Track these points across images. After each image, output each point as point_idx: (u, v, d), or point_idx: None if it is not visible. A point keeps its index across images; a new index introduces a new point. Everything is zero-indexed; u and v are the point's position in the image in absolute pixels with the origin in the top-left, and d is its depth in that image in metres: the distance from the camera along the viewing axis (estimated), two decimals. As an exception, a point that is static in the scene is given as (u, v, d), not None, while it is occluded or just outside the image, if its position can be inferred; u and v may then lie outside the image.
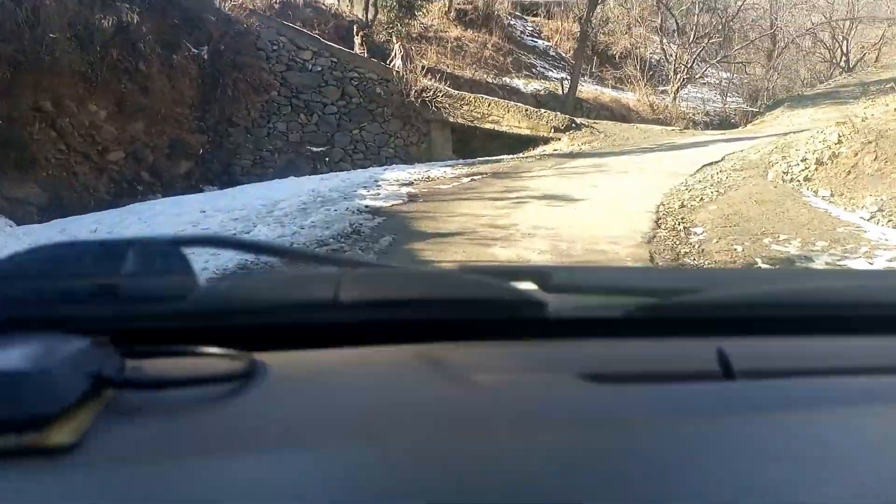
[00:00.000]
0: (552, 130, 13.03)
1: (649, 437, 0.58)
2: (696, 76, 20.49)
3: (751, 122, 18.77)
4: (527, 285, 0.84)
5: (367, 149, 13.36)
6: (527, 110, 13.65)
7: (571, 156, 11.32)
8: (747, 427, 0.60)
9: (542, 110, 13.88)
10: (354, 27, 15.55)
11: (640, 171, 9.55)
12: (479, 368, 0.70)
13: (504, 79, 18.04)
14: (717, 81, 22.07)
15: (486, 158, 11.50)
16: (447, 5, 20.54)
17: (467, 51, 19.07)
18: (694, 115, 19.77)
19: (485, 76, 17.63)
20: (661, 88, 20.35)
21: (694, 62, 19.65)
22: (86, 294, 0.68)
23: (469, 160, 11.48)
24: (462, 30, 20.12)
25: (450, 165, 10.88)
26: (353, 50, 14.31)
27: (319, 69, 13.14)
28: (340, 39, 14.71)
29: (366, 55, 14.25)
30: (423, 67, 14.20)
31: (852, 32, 22.78)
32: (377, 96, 13.32)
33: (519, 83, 18.16)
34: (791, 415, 0.62)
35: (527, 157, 11.59)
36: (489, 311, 0.79)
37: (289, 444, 0.54)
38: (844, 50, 23.11)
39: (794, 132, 12.06)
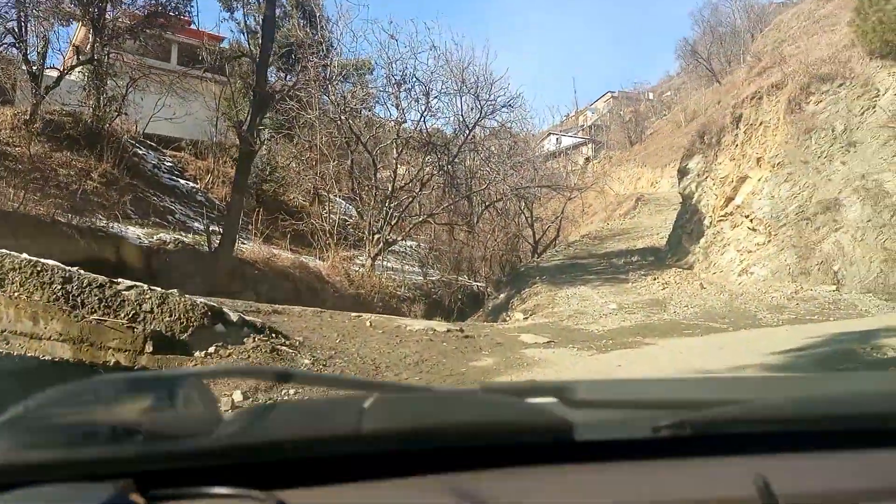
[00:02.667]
0: (149, 346, 5.14)
1: None
2: (397, 239, 15.89)
3: (499, 305, 14.31)
4: (550, 402, 0.84)
5: None
6: (64, 298, 5.14)
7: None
8: None
9: (135, 288, 5.45)
10: None
11: None
12: (508, 499, 0.69)
13: (113, 224, 10.84)
14: (414, 246, 18.01)
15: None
16: (27, 110, 13.04)
17: (53, 179, 11.61)
18: (396, 287, 14.88)
19: (74, 217, 10.26)
20: (353, 253, 15.23)
21: (390, 221, 15.02)
22: (108, 434, 0.68)
23: None
24: (52, 148, 12.66)
25: None
26: None
27: None
28: None
29: None
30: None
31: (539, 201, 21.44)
32: None
33: (134, 231, 11.07)
34: None
35: None
36: (514, 435, 0.78)
37: None
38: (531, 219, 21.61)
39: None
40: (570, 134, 44.39)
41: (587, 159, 39.65)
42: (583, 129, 45.98)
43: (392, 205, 14.95)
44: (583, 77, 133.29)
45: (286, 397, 4.22)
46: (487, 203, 18.11)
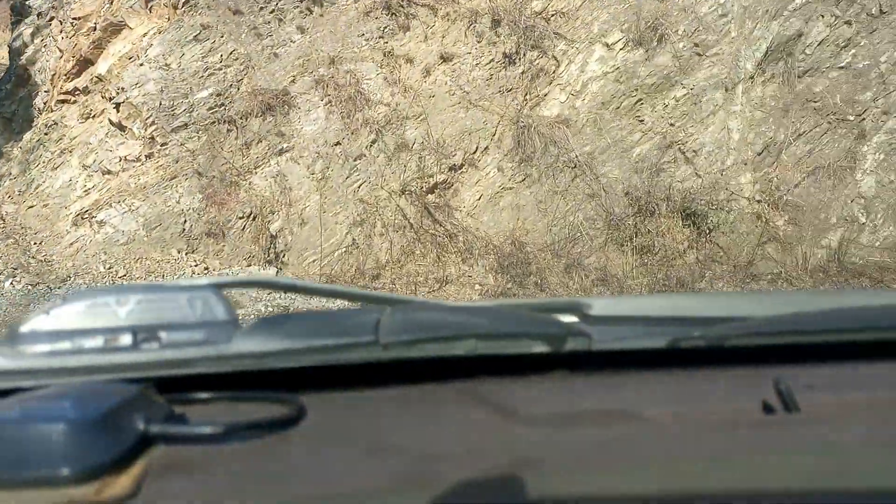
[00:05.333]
0: None
1: (714, 480, 0.55)
2: None
3: None
4: (568, 318, 0.85)
5: None
6: None
7: None
8: (814, 462, 0.58)
9: None
10: None
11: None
12: (527, 404, 0.69)
13: None
14: None
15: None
16: None
17: None
18: None
19: None
20: None
21: None
22: (129, 341, 0.70)
23: None
24: None
25: None
26: None
27: None
28: None
29: None
30: None
31: None
32: None
33: None
34: (861, 448, 0.60)
35: None
36: (533, 345, 0.77)
37: (339, 494, 0.54)
38: None
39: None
40: None
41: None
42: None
43: None
44: None
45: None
46: None
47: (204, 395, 0.67)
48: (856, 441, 0.61)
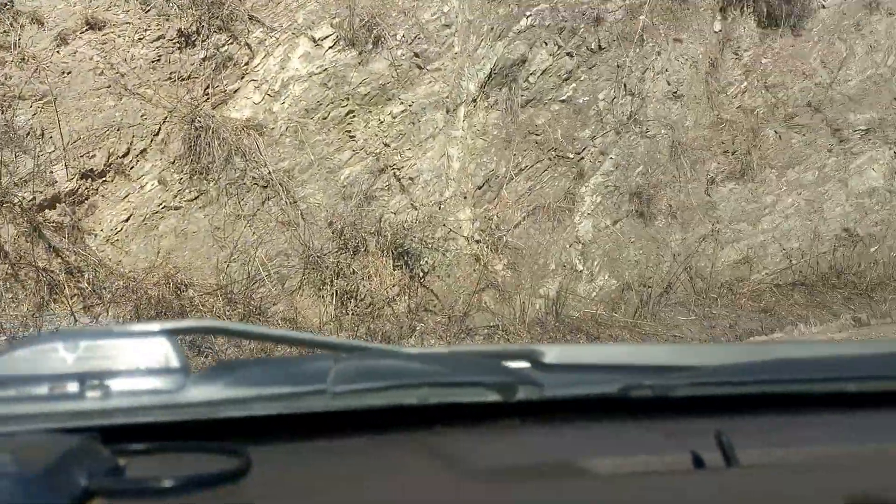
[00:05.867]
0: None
1: None
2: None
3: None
4: (522, 364, 0.86)
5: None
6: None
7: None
8: None
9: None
10: None
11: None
12: (475, 456, 0.70)
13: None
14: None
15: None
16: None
17: None
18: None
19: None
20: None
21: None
22: (76, 389, 0.68)
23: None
24: None
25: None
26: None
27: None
28: None
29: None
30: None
31: None
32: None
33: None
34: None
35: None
36: (485, 393, 0.78)
37: None
38: None
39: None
40: None
41: None
42: None
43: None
44: None
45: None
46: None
47: (149, 446, 0.66)
48: (794, 495, 0.62)
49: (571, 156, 5.72)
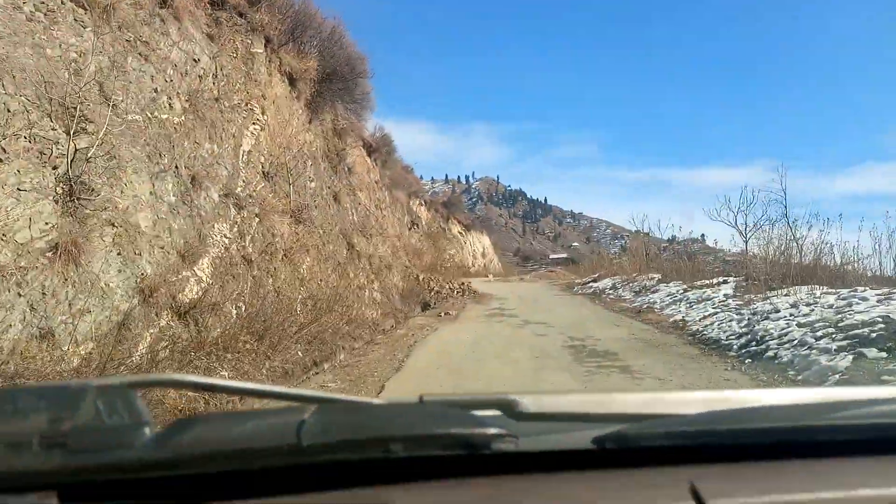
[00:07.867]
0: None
1: None
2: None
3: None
4: (493, 413, 0.85)
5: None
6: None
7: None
8: None
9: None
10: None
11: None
12: None
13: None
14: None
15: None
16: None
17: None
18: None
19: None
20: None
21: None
22: (32, 445, 0.65)
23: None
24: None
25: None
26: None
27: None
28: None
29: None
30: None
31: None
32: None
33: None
34: None
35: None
36: (455, 447, 0.77)
37: None
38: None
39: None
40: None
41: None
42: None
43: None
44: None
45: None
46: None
47: None
48: None
49: None
